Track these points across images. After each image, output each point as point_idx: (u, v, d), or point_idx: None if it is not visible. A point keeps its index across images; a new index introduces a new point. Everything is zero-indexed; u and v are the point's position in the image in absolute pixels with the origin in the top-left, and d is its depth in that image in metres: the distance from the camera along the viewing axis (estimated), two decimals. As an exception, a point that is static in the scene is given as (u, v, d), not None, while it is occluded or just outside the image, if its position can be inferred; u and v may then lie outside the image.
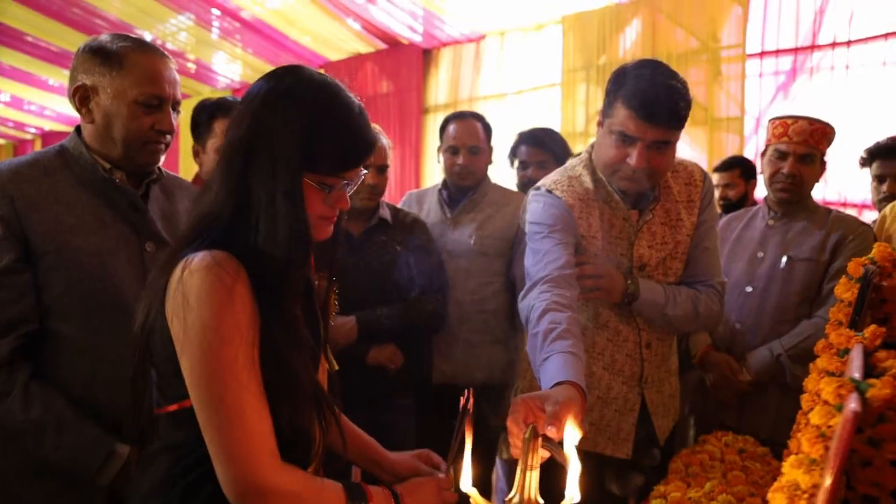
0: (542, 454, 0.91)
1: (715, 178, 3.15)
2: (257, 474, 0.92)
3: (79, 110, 1.39)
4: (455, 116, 2.48)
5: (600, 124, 1.58)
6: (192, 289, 0.93)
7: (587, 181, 1.62)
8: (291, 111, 0.98)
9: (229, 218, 1.00)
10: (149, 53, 1.39)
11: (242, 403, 0.92)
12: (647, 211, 1.63)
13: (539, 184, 1.67)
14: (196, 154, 2.10)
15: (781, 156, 2.01)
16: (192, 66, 6.31)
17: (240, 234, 0.99)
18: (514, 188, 2.69)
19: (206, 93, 6.57)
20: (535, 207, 1.63)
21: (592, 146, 1.67)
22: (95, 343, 1.33)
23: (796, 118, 2.00)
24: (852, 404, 0.72)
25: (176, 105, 1.44)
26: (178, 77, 1.45)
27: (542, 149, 2.64)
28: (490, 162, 2.51)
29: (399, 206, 2.50)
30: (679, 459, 1.70)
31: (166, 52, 1.44)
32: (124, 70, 1.35)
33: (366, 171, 1.08)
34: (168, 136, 1.43)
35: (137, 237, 1.40)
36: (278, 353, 0.98)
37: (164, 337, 0.97)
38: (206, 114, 2.04)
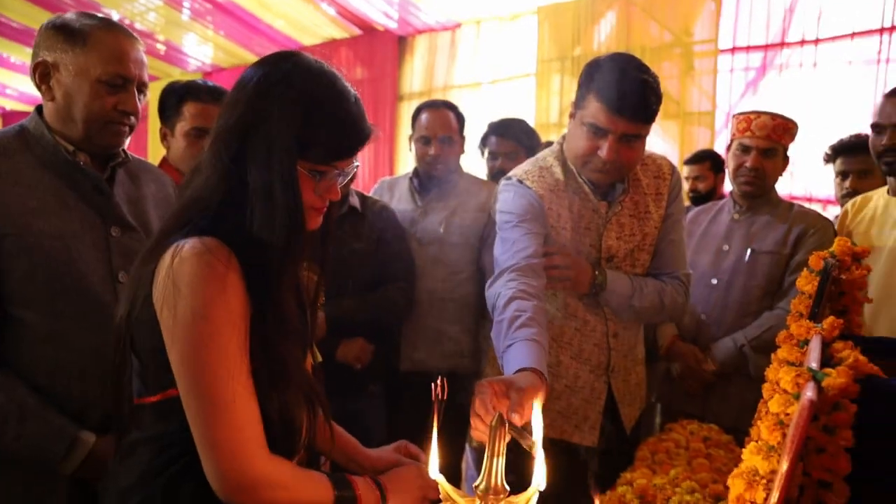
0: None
1: (685, 170, 3.20)
2: (245, 465, 0.91)
3: (39, 87, 1.35)
4: (427, 105, 2.47)
5: (572, 116, 1.59)
6: (182, 276, 0.91)
7: (558, 172, 1.64)
8: (287, 97, 0.96)
9: (219, 205, 0.98)
10: (115, 32, 1.35)
11: (232, 394, 0.91)
12: (615, 203, 1.65)
13: (510, 174, 1.68)
14: (164, 137, 2.05)
15: (745, 150, 2.05)
16: (161, 48, 6.17)
17: (230, 221, 0.97)
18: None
19: (176, 75, 6.43)
20: (505, 197, 1.64)
21: (564, 137, 1.68)
22: (59, 329, 1.30)
23: (759, 113, 2.04)
24: (808, 393, 0.74)
25: (142, 86, 1.40)
26: (145, 59, 1.41)
27: (511, 139, 2.65)
28: (462, 152, 2.51)
29: (371, 192, 2.50)
30: (645, 447, 1.74)
31: (134, 33, 1.40)
32: (88, 47, 1.31)
33: (358, 164, 1.07)
34: (132, 118, 1.39)
35: (102, 221, 1.37)
36: (268, 342, 0.97)
37: (150, 325, 0.96)
38: (175, 97, 1.99)
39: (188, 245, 0.93)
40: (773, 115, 2.02)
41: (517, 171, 1.67)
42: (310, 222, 1.04)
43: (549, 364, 1.68)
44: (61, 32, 1.32)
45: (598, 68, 1.51)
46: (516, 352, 1.23)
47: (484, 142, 2.76)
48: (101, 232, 1.36)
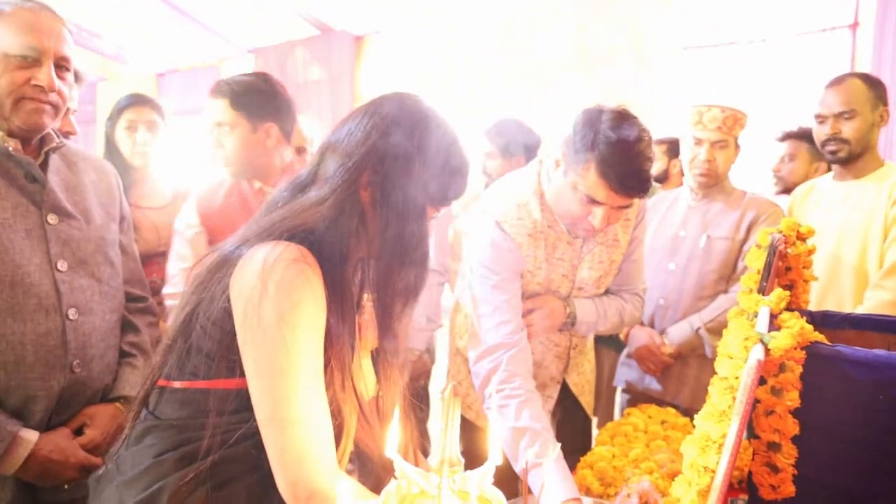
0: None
1: None
2: (308, 476, 0.89)
3: None
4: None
5: (558, 164, 1.53)
6: (273, 277, 0.89)
7: (535, 211, 1.61)
8: (427, 141, 1.00)
9: (327, 227, 0.98)
10: (31, 8, 1.27)
11: (307, 404, 0.90)
12: (590, 240, 1.66)
13: (491, 214, 1.62)
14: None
15: (697, 142, 2.09)
16: (111, 48, 6.01)
17: (329, 240, 0.98)
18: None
19: (125, 75, 6.27)
20: (484, 245, 1.60)
21: (541, 163, 1.64)
22: None
23: (710, 106, 2.08)
24: (756, 354, 0.76)
25: (64, 63, 1.31)
26: (67, 36, 1.32)
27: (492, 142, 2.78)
28: None
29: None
30: (605, 431, 1.76)
31: (58, 15, 1.32)
32: (0, 23, 1.24)
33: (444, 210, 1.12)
34: (53, 96, 1.29)
35: (38, 209, 1.31)
36: (335, 355, 0.97)
37: (221, 314, 0.93)
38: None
39: (283, 249, 0.92)
40: (723, 108, 2.06)
41: (497, 212, 1.61)
42: None
43: None
44: None
45: (599, 137, 1.41)
46: (552, 476, 1.32)
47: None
48: (36, 220, 1.30)
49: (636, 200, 1.68)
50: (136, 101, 2.28)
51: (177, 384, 0.98)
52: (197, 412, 0.95)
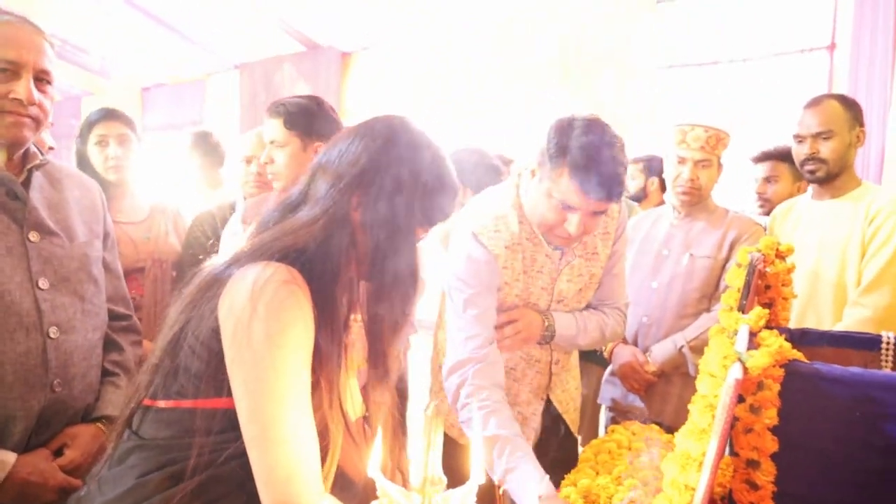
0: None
1: None
2: (301, 499, 0.88)
3: None
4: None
5: (534, 173, 1.54)
6: (263, 298, 0.89)
7: (513, 223, 1.61)
8: (417, 164, 1.01)
9: (318, 248, 0.99)
10: (9, 22, 1.27)
11: (295, 425, 0.89)
12: (569, 250, 1.66)
13: (468, 226, 1.63)
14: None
15: (681, 160, 2.12)
16: (97, 62, 6.00)
17: (320, 260, 0.98)
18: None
19: (112, 90, 6.25)
20: (460, 258, 1.60)
21: (520, 175, 1.65)
22: None
23: (693, 125, 2.11)
24: (735, 373, 0.77)
25: (44, 76, 1.30)
26: (47, 49, 1.32)
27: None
28: None
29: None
30: (589, 449, 1.76)
31: (39, 28, 1.33)
32: None
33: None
34: (33, 109, 1.28)
35: (19, 227, 1.30)
36: (324, 376, 0.97)
37: (210, 334, 0.93)
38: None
39: (274, 270, 0.92)
40: (707, 127, 2.10)
41: (475, 224, 1.62)
42: None
43: None
44: None
45: (570, 141, 1.44)
46: (526, 476, 1.35)
47: None
48: (17, 237, 1.29)
49: (614, 211, 1.71)
50: (106, 115, 2.25)
51: (162, 403, 0.97)
52: (182, 432, 0.94)
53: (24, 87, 1.26)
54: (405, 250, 1.02)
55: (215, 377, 0.93)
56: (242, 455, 0.92)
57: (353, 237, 1.01)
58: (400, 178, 1.00)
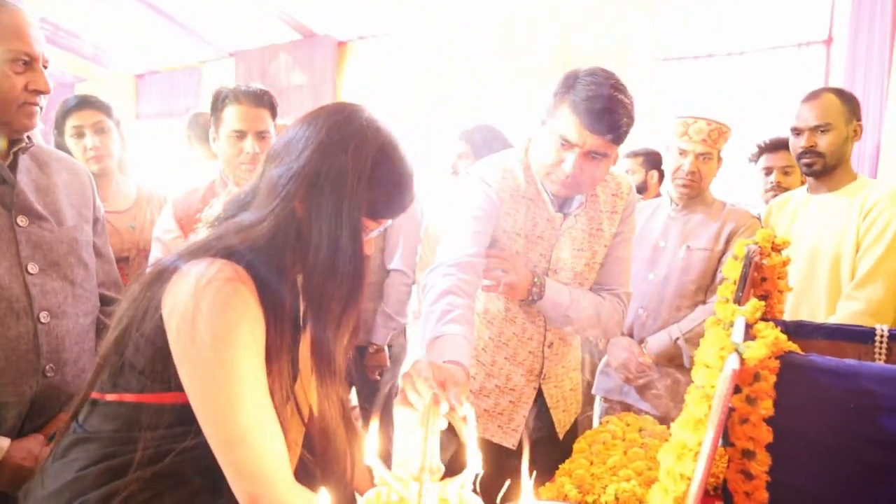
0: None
1: (619, 163, 3.33)
2: (273, 492, 0.88)
3: None
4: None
5: (543, 122, 1.56)
6: (207, 297, 0.87)
7: (519, 176, 1.62)
8: (362, 153, 0.97)
9: (264, 244, 0.96)
10: (10, 10, 1.27)
11: (250, 420, 0.89)
12: (571, 216, 1.64)
13: (471, 169, 1.65)
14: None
15: (682, 153, 2.12)
16: (90, 49, 5.93)
17: (266, 255, 0.96)
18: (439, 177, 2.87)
19: (106, 77, 6.20)
20: (461, 191, 1.62)
21: (530, 140, 1.66)
22: None
23: (696, 118, 2.11)
24: (732, 363, 0.77)
25: (46, 64, 1.33)
26: (42, 36, 1.33)
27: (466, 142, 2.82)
28: None
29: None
30: (583, 439, 1.77)
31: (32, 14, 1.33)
32: None
33: (390, 222, 1.09)
34: (42, 98, 1.31)
35: (7, 211, 1.29)
36: (275, 372, 0.95)
37: (154, 330, 0.91)
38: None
39: (218, 267, 0.90)
40: (709, 121, 2.10)
41: (479, 169, 1.64)
42: None
43: (483, 363, 1.70)
44: None
45: (576, 80, 1.47)
46: (446, 343, 1.24)
47: None
48: (5, 221, 1.28)
49: (623, 190, 1.70)
50: (78, 104, 2.19)
51: (108, 397, 0.96)
52: (127, 426, 0.93)
53: (42, 80, 1.29)
54: (349, 243, 0.97)
55: (161, 372, 0.92)
56: (193, 450, 0.91)
57: (299, 231, 0.98)
58: (343, 168, 0.96)
